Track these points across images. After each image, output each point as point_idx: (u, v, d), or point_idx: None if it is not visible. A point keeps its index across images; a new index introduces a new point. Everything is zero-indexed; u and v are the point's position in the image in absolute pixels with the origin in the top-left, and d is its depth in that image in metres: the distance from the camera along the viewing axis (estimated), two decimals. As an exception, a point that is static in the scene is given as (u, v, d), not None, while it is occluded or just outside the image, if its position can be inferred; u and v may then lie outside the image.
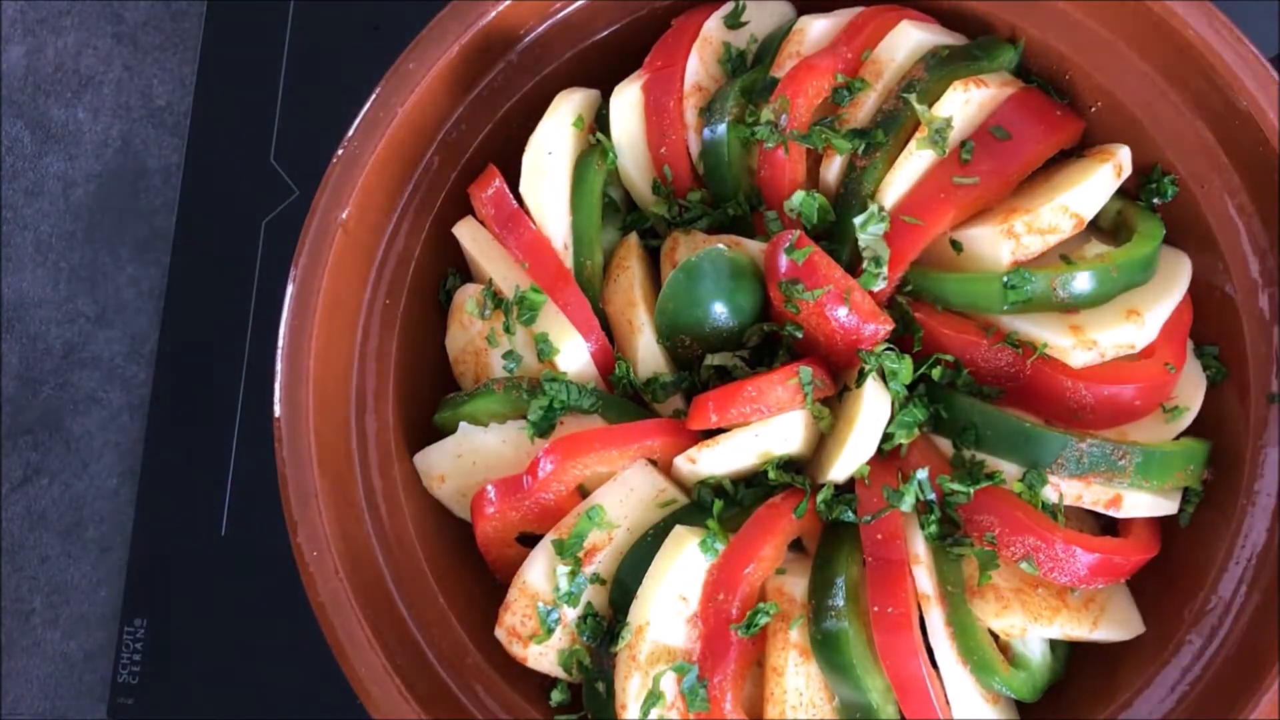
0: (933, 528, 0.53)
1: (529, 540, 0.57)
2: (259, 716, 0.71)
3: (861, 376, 0.53)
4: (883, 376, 0.54)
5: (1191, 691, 0.52)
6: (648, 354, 0.58)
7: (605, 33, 0.62)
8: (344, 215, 0.55)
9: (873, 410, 0.52)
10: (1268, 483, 0.53)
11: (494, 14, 0.57)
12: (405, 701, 0.51)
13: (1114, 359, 0.54)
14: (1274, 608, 0.51)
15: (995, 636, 0.54)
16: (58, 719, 0.74)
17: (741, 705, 0.52)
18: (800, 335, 0.55)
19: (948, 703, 0.52)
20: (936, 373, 0.55)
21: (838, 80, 0.57)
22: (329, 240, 0.55)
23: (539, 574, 0.54)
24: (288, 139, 0.79)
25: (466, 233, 0.61)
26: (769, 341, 0.57)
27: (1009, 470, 0.53)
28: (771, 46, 0.60)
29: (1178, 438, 0.55)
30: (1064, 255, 0.55)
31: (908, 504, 0.53)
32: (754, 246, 0.57)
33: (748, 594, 0.52)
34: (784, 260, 0.53)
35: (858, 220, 0.55)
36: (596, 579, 0.54)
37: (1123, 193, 0.58)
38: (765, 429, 0.53)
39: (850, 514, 0.54)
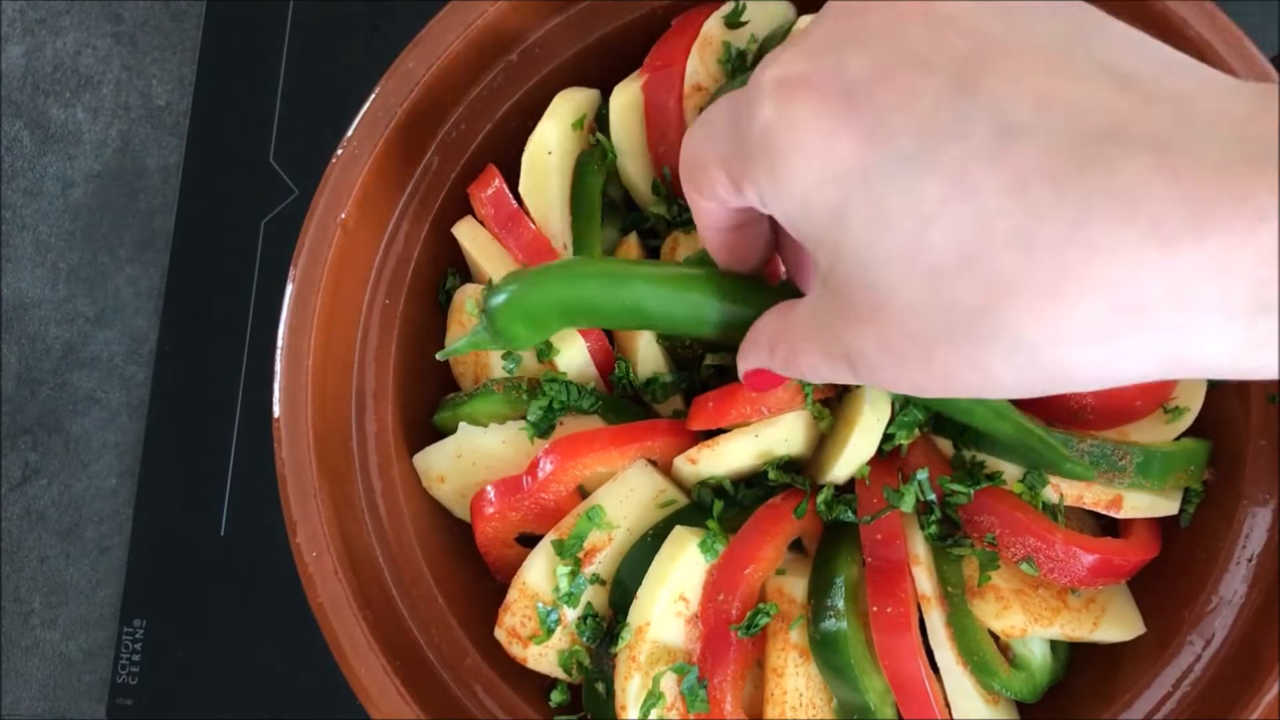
0: (933, 528, 0.53)
1: (529, 541, 0.57)
2: (258, 717, 0.71)
3: (862, 377, 0.53)
4: (883, 377, 0.54)
5: (1192, 692, 0.52)
6: (647, 354, 0.58)
7: (605, 32, 0.62)
8: (343, 215, 0.55)
9: (873, 411, 0.52)
10: (1268, 483, 0.53)
11: (494, 14, 0.57)
12: (405, 702, 0.51)
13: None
14: (1274, 609, 0.51)
15: (995, 637, 0.54)
16: (56, 719, 0.74)
17: (741, 706, 0.52)
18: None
19: (947, 704, 0.52)
20: (937, 373, 0.55)
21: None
22: (328, 240, 0.55)
23: (539, 574, 0.54)
24: (287, 139, 0.79)
25: (466, 233, 0.61)
26: (769, 342, 0.57)
27: (1009, 471, 0.53)
28: (771, 47, 0.60)
29: (1178, 438, 0.55)
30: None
31: (908, 504, 0.53)
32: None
33: (748, 594, 0.52)
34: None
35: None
36: (596, 579, 0.54)
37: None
38: (765, 429, 0.53)
39: (850, 514, 0.54)
